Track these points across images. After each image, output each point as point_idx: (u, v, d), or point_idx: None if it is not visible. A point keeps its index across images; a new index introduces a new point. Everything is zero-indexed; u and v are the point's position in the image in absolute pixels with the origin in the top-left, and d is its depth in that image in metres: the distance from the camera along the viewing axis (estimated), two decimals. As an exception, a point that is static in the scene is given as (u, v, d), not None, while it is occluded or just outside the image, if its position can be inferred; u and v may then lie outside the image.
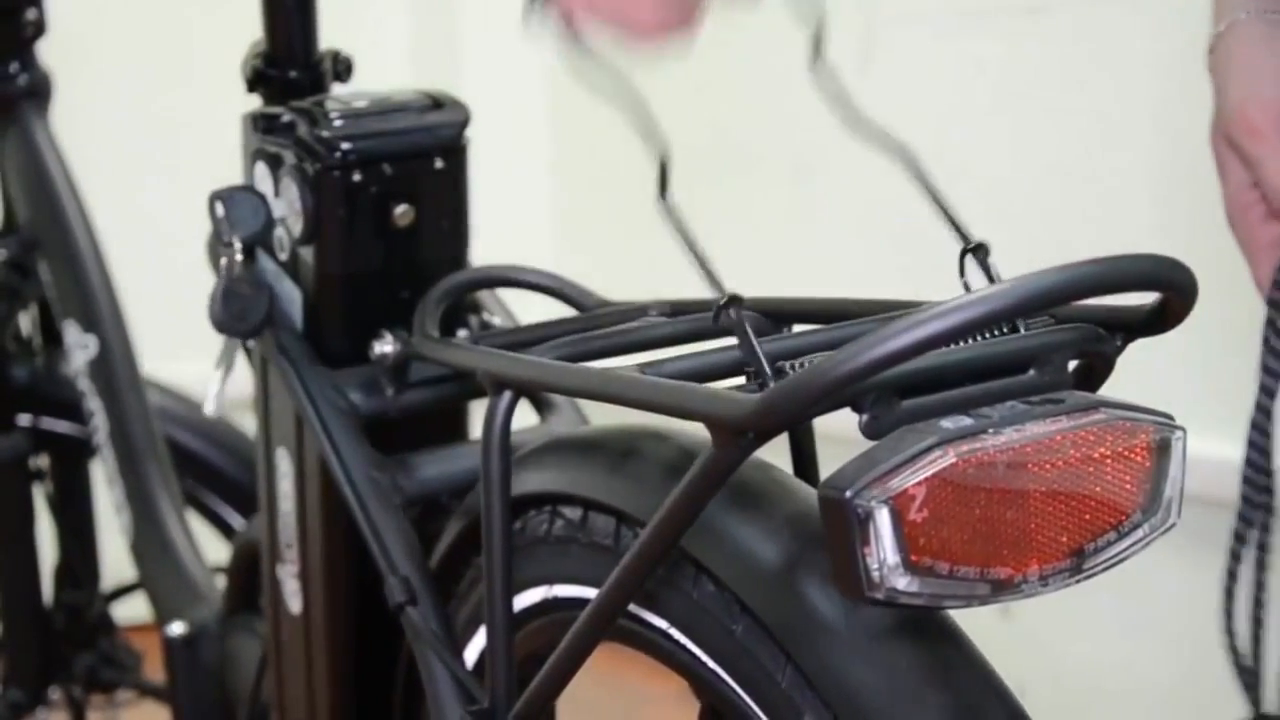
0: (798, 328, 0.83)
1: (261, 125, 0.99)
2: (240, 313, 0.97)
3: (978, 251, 0.73)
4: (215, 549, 1.41)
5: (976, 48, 2.00)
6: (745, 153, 2.14)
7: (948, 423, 0.63)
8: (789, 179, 2.22)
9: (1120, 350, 0.69)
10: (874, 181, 2.12)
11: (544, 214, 2.37)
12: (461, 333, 1.00)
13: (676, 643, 0.78)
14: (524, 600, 0.87)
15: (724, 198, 2.20)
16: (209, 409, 1.04)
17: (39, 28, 1.42)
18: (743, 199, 2.24)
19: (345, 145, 0.95)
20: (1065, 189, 2.02)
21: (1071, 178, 2.01)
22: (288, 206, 0.97)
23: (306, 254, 0.97)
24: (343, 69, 1.05)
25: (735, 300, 0.84)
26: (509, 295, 1.02)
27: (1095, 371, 0.70)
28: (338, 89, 1.05)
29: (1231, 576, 0.94)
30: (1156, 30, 1.91)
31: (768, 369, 0.66)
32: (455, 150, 0.98)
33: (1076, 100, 2.00)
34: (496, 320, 1.00)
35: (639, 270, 2.20)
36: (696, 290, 0.90)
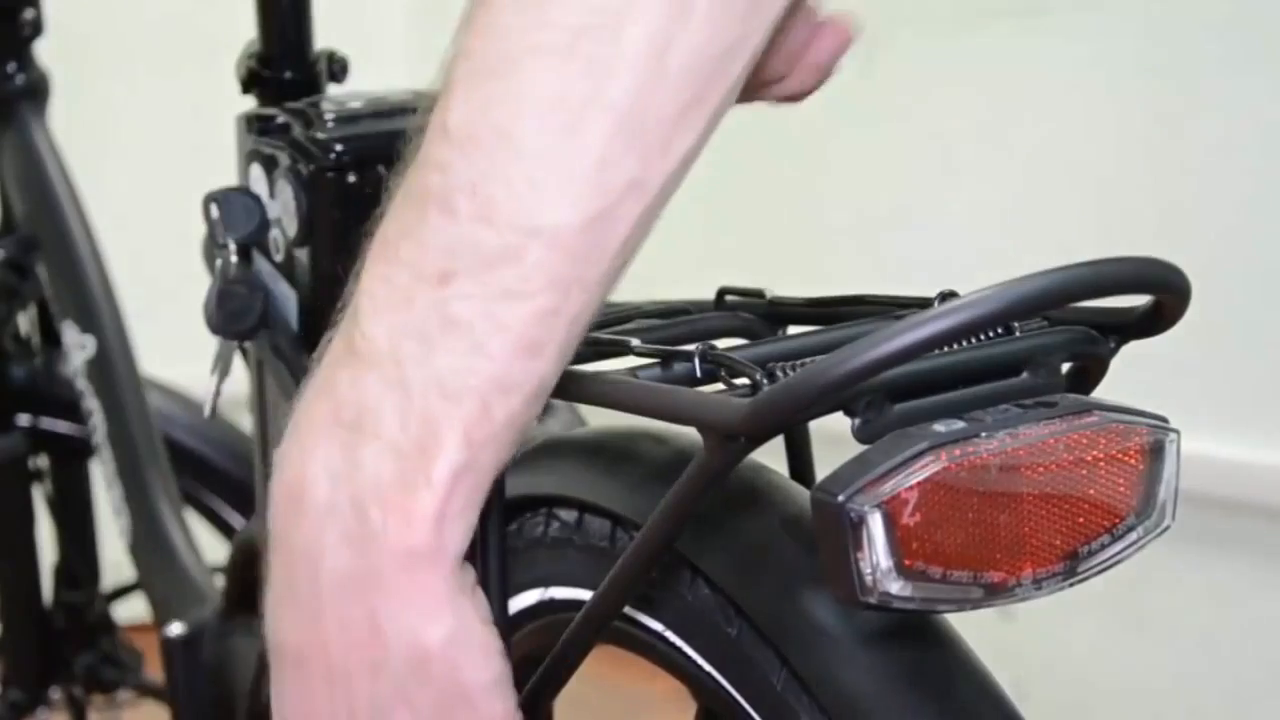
0: (793, 329, 0.83)
1: (256, 126, 0.99)
2: (235, 314, 0.97)
3: None
4: (215, 549, 1.41)
5: (979, 49, 2.00)
6: (743, 149, 2.14)
7: (940, 426, 0.63)
8: (787, 175, 2.22)
9: (1114, 352, 0.69)
10: (873, 179, 2.12)
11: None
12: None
13: (672, 645, 0.78)
14: (520, 602, 0.87)
15: (724, 194, 2.20)
16: (206, 413, 1.04)
17: (36, 27, 1.43)
18: (741, 194, 2.24)
19: (340, 147, 0.95)
20: (1064, 190, 2.02)
21: (1070, 179, 2.01)
22: (282, 208, 0.97)
23: (302, 255, 0.97)
24: (338, 69, 1.05)
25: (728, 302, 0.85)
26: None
27: (1089, 374, 0.70)
28: (333, 90, 1.05)
29: None
30: (1157, 33, 1.91)
31: (759, 374, 0.66)
32: (450, 151, 0.98)
33: (1077, 101, 2.00)
34: (492, 321, 1.00)
35: (635, 271, 2.20)
36: (692, 291, 0.90)
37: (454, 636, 0.63)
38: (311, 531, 0.64)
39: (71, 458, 1.52)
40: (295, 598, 0.65)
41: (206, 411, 1.04)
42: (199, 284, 0.99)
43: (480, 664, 0.64)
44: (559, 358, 0.61)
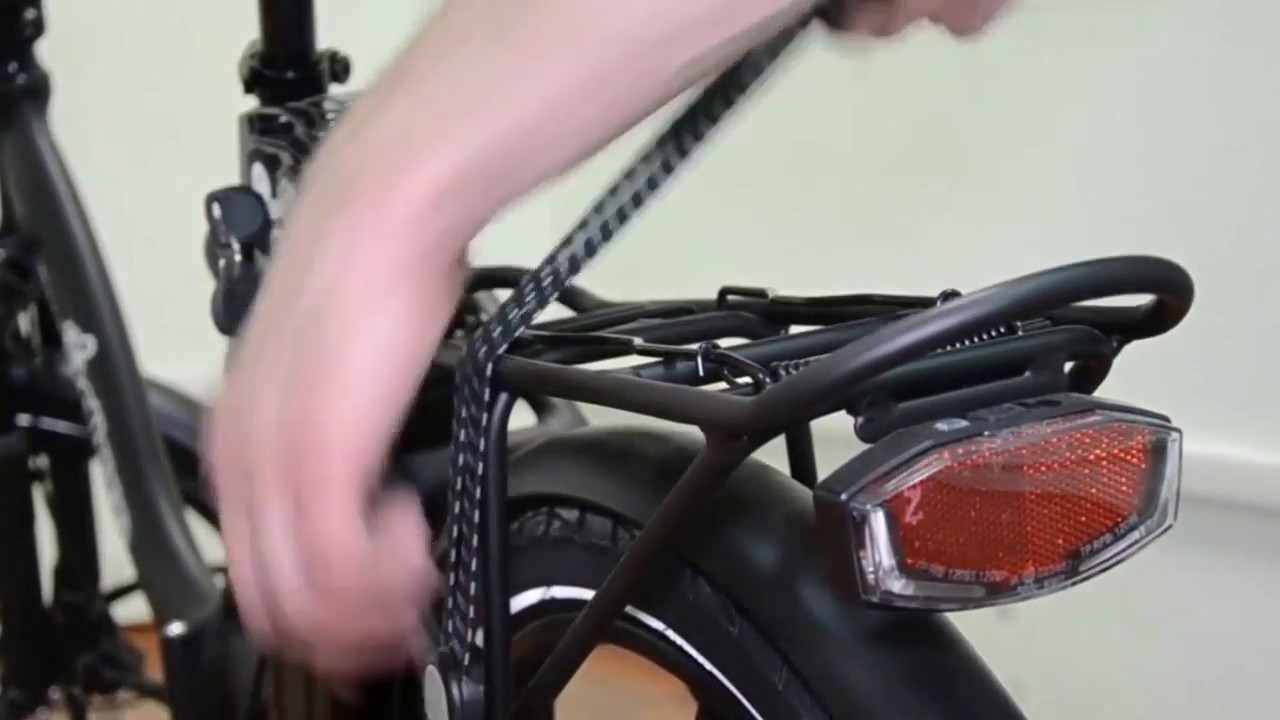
0: (795, 328, 0.83)
1: (258, 126, 0.99)
2: (240, 314, 0.97)
3: None
4: (215, 549, 1.41)
5: (977, 48, 2.00)
6: (745, 149, 2.14)
7: (943, 425, 0.63)
8: (784, 173, 2.22)
9: (1116, 352, 0.69)
10: (875, 179, 2.12)
11: (543, 214, 2.37)
12: (458, 334, 1.00)
13: (674, 644, 0.78)
14: (521, 601, 0.87)
15: (726, 194, 2.20)
16: None
17: (38, 28, 1.43)
18: (743, 194, 2.24)
19: (342, 146, 0.95)
20: (1067, 189, 2.02)
21: (1073, 179, 2.01)
22: (285, 207, 0.97)
23: (304, 255, 0.97)
24: (340, 69, 1.05)
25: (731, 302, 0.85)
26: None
27: (1092, 373, 0.70)
28: (335, 90, 1.05)
29: None
30: (1162, 32, 1.91)
31: (762, 373, 0.66)
32: (452, 150, 0.98)
33: (1076, 101, 2.00)
34: (494, 321, 1.00)
35: (637, 270, 2.20)
36: (695, 291, 0.90)
37: (361, 302, 0.66)
38: (311, 177, 0.69)
39: (71, 458, 1.52)
40: (280, 251, 0.69)
41: None
42: (200, 284, 0.99)
43: (365, 354, 0.67)
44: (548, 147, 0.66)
